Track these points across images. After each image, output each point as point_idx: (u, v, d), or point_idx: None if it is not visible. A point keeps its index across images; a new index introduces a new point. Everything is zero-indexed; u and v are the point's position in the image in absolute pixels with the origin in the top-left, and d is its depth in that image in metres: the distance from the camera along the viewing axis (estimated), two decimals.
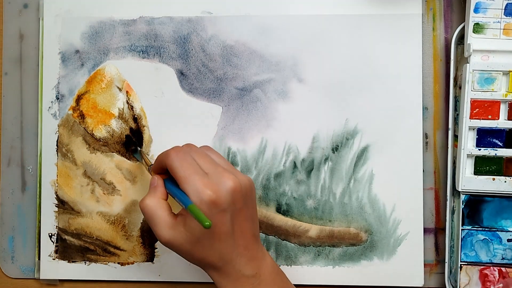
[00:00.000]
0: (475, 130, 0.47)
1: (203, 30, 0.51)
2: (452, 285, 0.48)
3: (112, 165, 0.51)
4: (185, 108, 0.50)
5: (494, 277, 0.47)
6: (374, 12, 0.50)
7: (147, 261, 0.51)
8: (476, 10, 0.47)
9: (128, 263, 0.51)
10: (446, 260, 0.48)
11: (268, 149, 0.50)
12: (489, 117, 0.47)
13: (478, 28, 0.47)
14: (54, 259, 0.51)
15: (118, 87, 0.51)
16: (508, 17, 0.46)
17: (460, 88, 0.48)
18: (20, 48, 0.52)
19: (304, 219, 0.50)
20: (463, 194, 0.48)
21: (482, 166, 0.47)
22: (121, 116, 0.51)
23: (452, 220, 0.49)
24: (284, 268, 0.49)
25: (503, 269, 0.47)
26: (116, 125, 0.51)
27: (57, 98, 0.51)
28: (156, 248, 0.51)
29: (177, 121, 0.50)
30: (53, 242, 0.51)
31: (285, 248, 0.50)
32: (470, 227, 0.48)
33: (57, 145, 0.51)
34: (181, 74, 0.51)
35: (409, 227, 0.49)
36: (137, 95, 0.51)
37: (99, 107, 0.51)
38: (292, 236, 0.50)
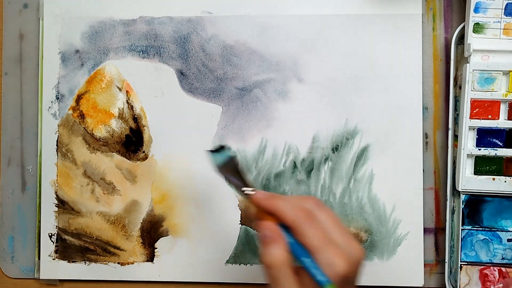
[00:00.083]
0: (475, 130, 0.47)
1: (203, 30, 0.51)
2: (452, 285, 0.48)
3: (112, 165, 0.51)
4: (185, 108, 0.50)
5: (494, 277, 0.47)
6: (374, 12, 0.50)
7: (147, 261, 0.51)
8: (476, 10, 0.47)
9: (128, 263, 0.51)
10: (446, 260, 0.48)
11: (268, 149, 0.50)
12: (489, 117, 0.47)
13: (478, 28, 0.47)
14: (54, 259, 0.51)
15: (118, 87, 0.51)
16: (508, 17, 0.46)
17: (460, 88, 0.48)
18: (20, 48, 0.52)
19: None
20: (463, 194, 0.48)
21: (482, 166, 0.47)
22: (121, 116, 0.51)
23: (452, 220, 0.49)
24: None
25: (503, 269, 0.47)
26: (116, 125, 0.51)
27: (57, 98, 0.51)
28: (156, 248, 0.51)
29: (177, 121, 0.50)
30: (53, 242, 0.51)
31: None
32: (470, 227, 0.48)
33: (57, 145, 0.51)
34: (181, 74, 0.51)
35: (409, 227, 0.49)
36: (137, 95, 0.51)
37: (99, 107, 0.51)
38: None
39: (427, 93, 0.50)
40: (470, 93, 0.47)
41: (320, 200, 0.42)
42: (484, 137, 0.47)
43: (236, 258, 0.50)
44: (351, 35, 0.50)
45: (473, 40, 0.47)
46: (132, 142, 0.51)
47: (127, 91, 0.51)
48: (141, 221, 0.51)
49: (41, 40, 0.51)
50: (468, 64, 0.46)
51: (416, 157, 0.49)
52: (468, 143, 0.47)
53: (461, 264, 0.48)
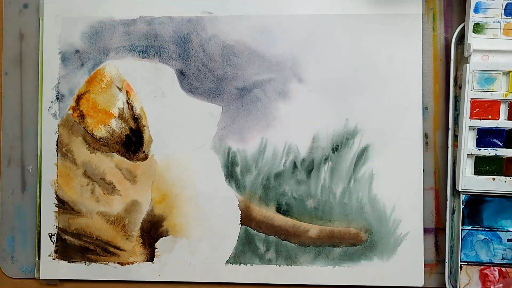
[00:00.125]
0: (475, 130, 0.47)
1: (203, 30, 0.51)
2: (452, 285, 0.48)
3: (112, 165, 0.51)
4: (185, 108, 0.50)
5: (494, 277, 0.47)
6: (374, 12, 0.50)
7: (147, 261, 0.51)
8: (476, 10, 0.47)
9: (128, 263, 0.51)
10: (446, 260, 0.48)
11: (268, 149, 0.50)
12: (489, 117, 0.47)
13: (478, 28, 0.47)
14: (54, 259, 0.51)
15: (118, 87, 0.51)
16: (508, 17, 0.46)
17: (460, 88, 0.48)
18: (20, 48, 0.52)
19: (304, 219, 0.50)
20: (463, 194, 0.48)
21: (482, 166, 0.47)
22: (121, 116, 0.51)
23: (452, 220, 0.49)
24: (284, 268, 0.49)
25: (503, 269, 0.47)
26: (116, 125, 0.51)
27: (57, 98, 0.51)
28: (156, 248, 0.51)
29: (177, 121, 0.50)
30: (53, 242, 0.51)
31: (285, 248, 0.50)
32: (470, 227, 0.48)
33: (57, 145, 0.51)
34: (181, 74, 0.51)
35: (409, 227, 0.49)
36: (137, 95, 0.51)
37: (99, 107, 0.51)
38: (292, 236, 0.50)
39: (427, 93, 0.50)
40: (470, 93, 0.47)
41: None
42: (484, 137, 0.47)
43: (236, 258, 0.50)
44: (351, 35, 0.50)
45: (473, 40, 0.47)
46: (132, 142, 0.51)
47: (127, 91, 0.51)
48: (141, 221, 0.51)
49: (41, 40, 0.51)
50: (468, 64, 0.46)
51: (416, 157, 0.49)
52: (468, 143, 0.47)
53: (461, 264, 0.48)
